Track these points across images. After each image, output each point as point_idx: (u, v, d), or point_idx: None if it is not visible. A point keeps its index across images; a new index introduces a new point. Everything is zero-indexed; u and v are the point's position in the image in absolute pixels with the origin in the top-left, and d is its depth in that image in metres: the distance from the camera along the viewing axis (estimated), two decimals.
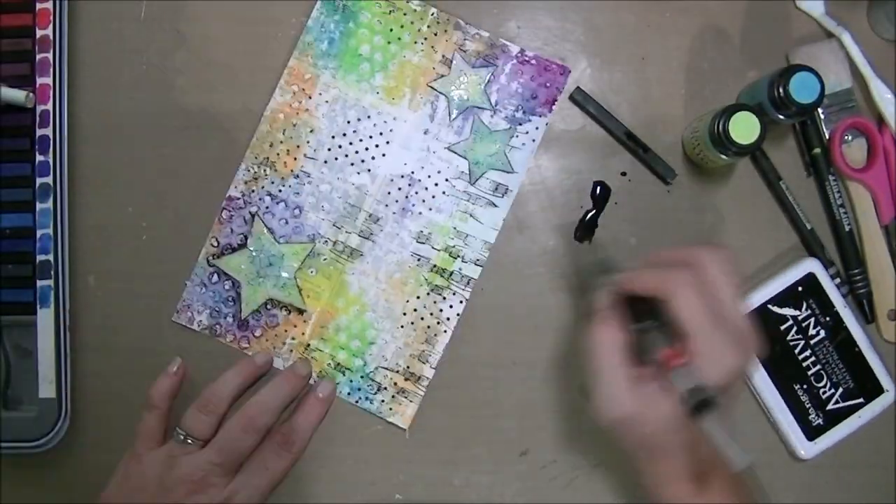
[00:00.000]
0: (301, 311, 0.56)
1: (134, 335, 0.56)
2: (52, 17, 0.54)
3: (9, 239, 0.54)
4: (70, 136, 0.55)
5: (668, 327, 0.44)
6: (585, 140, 0.57)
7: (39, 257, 0.54)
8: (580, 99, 0.57)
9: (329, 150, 0.56)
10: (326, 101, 0.56)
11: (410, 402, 0.56)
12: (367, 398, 0.55)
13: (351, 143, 0.56)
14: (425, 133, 0.56)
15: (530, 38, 0.57)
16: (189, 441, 0.50)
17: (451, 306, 0.56)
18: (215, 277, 0.56)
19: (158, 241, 0.56)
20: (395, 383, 0.56)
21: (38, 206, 0.54)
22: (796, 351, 0.56)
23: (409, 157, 0.56)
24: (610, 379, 0.45)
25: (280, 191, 0.56)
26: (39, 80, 0.54)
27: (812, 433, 0.55)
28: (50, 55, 0.54)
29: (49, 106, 0.54)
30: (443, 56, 0.56)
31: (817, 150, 0.57)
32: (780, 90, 0.51)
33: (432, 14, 0.56)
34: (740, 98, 0.57)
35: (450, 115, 0.56)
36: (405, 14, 0.56)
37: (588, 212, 0.57)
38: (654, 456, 0.46)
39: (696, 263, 0.45)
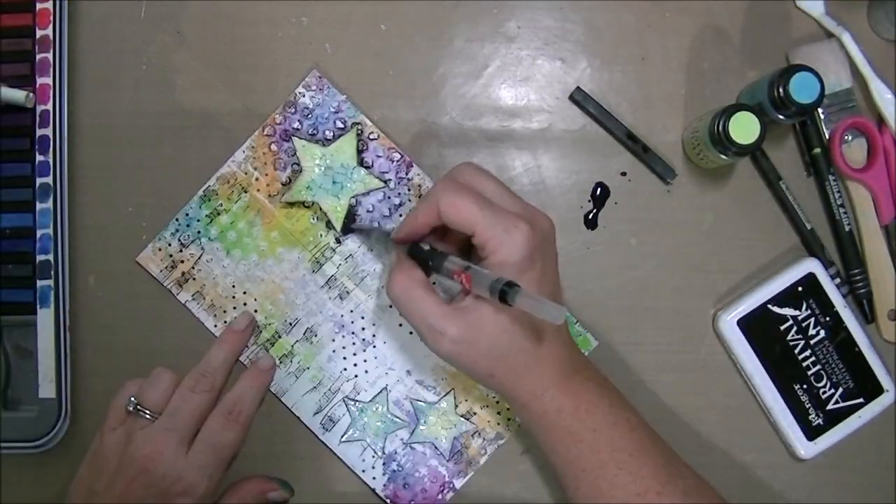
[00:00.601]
0: None
1: (134, 335, 0.56)
2: (52, 17, 0.54)
3: (9, 239, 0.54)
4: (70, 136, 0.55)
5: (455, 250, 0.46)
6: (585, 140, 0.57)
7: (39, 257, 0.54)
8: (580, 99, 0.57)
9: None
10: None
11: None
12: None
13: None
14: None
15: (530, 38, 0.57)
16: (141, 412, 0.49)
17: None
18: None
19: None
20: None
21: (38, 206, 0.54)
22: (796, 351, 0.56)
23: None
24: (424, 314, 0.44)
25: None
26: (39, 80, 0.54)
27: (812, 433, 0.55)
28: (50, 55, 0.54)
29: (49, 106, 0.54)
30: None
31: (817, 150, 0.57)
32: (780, 90, 0.51)
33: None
34: (740, 98, 0.57)
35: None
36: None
37: (588, 212, 0.57)
38: (509, 374, 0.46)
39: (452, 178, 0.47)
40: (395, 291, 0.46)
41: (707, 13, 0.57)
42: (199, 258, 0.55)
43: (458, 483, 0.55)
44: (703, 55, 0.57)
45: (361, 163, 0.56)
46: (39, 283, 0.53)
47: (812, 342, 0.56)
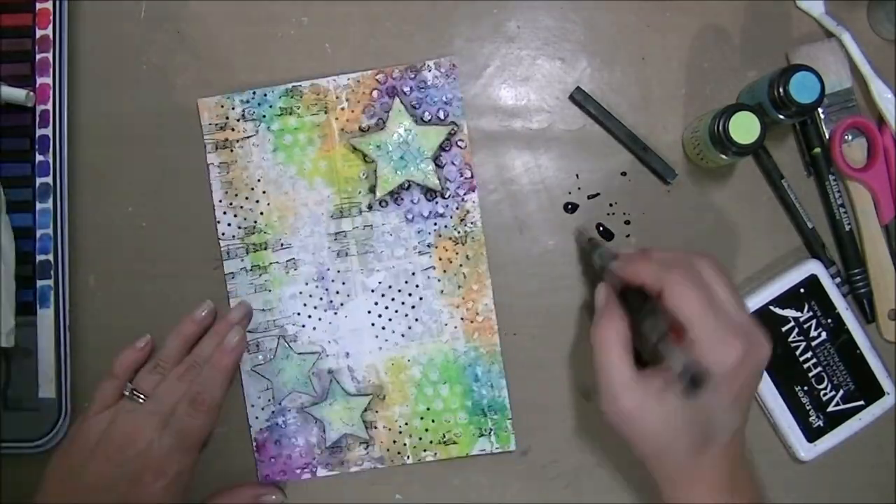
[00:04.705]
0: None
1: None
2: (52, 17, 0.54)
3: None
4: (70, 136, 0.55)
5: (666, 317, 0.44)
6: (585, 140, 0.57)
7: (39, 257, 0.54)
8: (580, 99, 0.57)
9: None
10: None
11: None
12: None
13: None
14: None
15: (530, 38, 0.57)
16: (136, 397, 0.50)
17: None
18: None
19: (158, 241, 0.56)
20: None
21: (38, 206, 0.54)
22: (798, 352, 0.56)
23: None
24: (611, 376, 0.45)
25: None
26: (39, 80, 0.54)
27: (812, 435, 0.55)
28: (50, 55, 0.54)
29: (49, 106, 0.54)
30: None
31: (817, 150, 0.57)
32: (780, 90, 0.51)
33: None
34: (740, 98, 0.57)
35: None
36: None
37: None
38: (660, 471, 0.45)
39: (689, 264, 0.46)
40: (596, 340, 0.46)
41: (707, 13, 0.57)
42: (249, 137, 0.56)
43: (321, 472, 0.55)
44: (703, 55, 0.57)
45: (436, 159, 0.56)
46: (39, 283, 0.54)
47: (813, 344, 0.56)
